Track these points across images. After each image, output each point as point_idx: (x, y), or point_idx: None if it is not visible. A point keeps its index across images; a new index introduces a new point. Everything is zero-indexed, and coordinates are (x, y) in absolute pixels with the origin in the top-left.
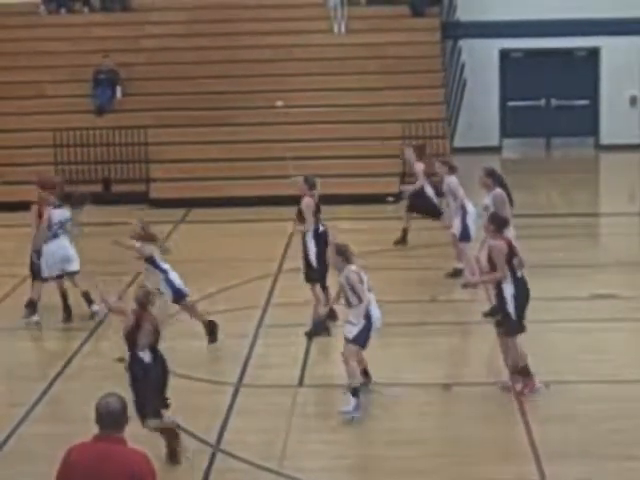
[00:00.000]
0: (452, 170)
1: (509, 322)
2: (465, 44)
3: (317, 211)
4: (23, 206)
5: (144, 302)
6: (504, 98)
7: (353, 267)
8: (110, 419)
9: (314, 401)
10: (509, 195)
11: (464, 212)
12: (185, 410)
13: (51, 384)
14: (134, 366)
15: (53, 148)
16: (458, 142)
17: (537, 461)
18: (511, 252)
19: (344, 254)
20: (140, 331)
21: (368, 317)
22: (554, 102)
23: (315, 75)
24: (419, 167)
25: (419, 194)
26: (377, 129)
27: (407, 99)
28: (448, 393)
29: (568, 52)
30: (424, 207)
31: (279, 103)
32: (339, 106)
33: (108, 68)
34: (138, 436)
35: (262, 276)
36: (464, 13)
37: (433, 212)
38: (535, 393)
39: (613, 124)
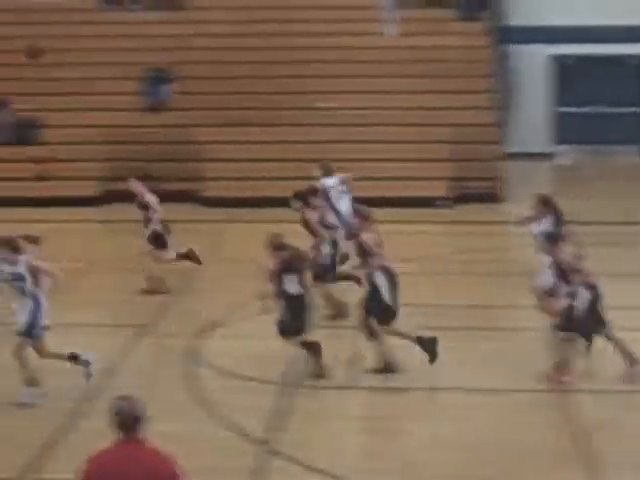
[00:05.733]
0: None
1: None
2: (514, 49)
3: None
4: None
5: None
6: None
7: None
8: (132, 421)
9: None
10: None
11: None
12: None
13: None
14: None
15: (101, 145)
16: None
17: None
18: None
19: None
20: None
21: None
22: None
23: (364, 77)
24: None
25: None
26: (426, 132)
27: (457, 103)
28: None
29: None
30: None
31: (325, 104)
32: (388, 109)
33: (160, 66)
34: None
35: None
36: (516, 18)
37: None
38: None
39: None
